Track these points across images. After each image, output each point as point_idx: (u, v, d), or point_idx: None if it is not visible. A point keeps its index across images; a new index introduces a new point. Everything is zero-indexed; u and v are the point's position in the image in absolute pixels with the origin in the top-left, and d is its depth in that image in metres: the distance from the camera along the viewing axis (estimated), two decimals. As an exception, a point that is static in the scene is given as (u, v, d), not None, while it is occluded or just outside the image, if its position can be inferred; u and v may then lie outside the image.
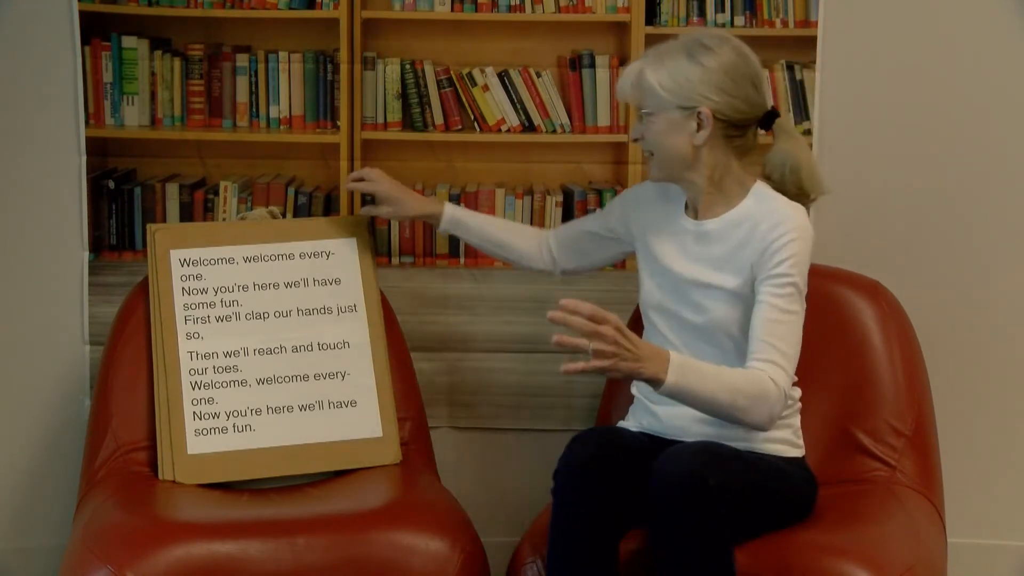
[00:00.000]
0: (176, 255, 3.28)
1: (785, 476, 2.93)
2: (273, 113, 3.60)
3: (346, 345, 3.30)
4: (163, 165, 3.62)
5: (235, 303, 3.27)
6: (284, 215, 3.57)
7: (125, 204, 3.61)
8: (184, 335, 3.23)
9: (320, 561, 2.84)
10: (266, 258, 3.32)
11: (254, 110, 3.60)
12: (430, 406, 3.48)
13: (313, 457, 3.23)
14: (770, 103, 2.97)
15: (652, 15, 3.55)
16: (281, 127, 3.61)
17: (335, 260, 3.34)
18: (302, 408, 3.25)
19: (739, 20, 3.56)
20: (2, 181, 3.56)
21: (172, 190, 3.60)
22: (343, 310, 3.32)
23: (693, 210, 3.00)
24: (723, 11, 3.56)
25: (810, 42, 3.55)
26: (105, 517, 2.97)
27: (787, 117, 2.99)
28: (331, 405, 3.26)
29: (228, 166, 3.62)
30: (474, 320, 3.63)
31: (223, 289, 3.28)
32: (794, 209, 2.92)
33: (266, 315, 3.28)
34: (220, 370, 3.23)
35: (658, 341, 2.99)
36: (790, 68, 3.57)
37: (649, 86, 2.91)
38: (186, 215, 3.59)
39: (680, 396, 2.77)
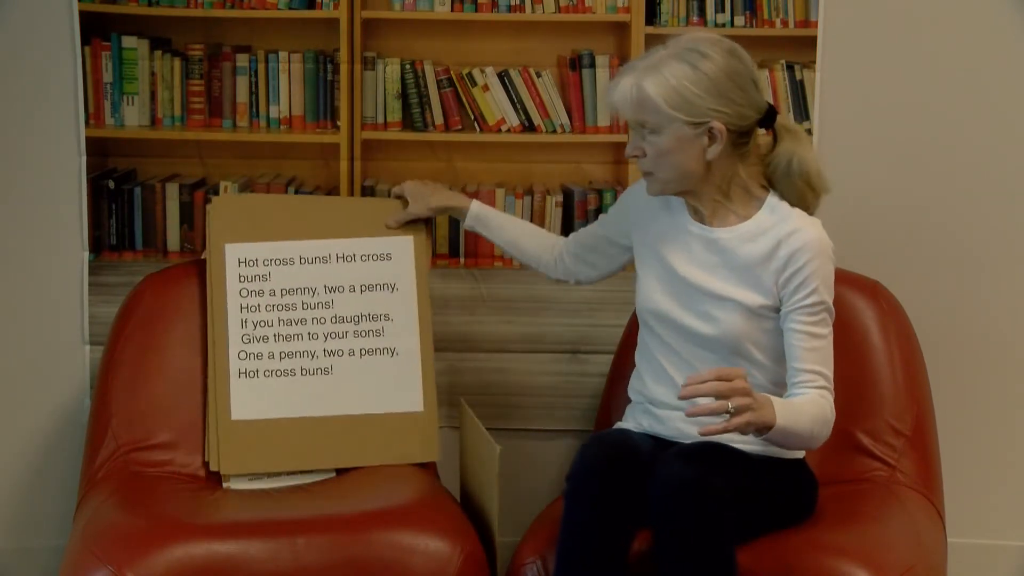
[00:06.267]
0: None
1: (786, 477, 2.93)
2: (273, 113, 3.60)
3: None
4: (163, 165, 3.62)
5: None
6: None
7: (125, 204, 3.61)
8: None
9: (320, 561, 2.84)
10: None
11: (254, 110, 3.60)
12: (430, 406, 3.49)
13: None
14: (769, 100, 2.93)
15: (652, 15, 3.55)
16: (281, 127, 3.61)
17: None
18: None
19: (739, 20, 3.56)
20: (2, 181, 3.56)
21: (172, 190, 3.60)
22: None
23: (697, 214, 2.96)
24: (723, 11, 3.56)
25: (810, 42, 3.55)
26: (105, 517, 2.97)
27: (786, 115, 2.96)
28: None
29: (228, 166, 3.62)
30: (474, 320, 3.64)
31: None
32: (811, 226, 2.88)
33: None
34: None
35: (661, 350, 2.98)
36: (790, 68, 3.57)
37: (652, 103, 2.80)
38: (186, 215, 3.59)
39: (780, 436, 2.74)
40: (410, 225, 3.34)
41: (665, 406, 2.95)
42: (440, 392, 3.61)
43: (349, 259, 3.31)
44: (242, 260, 3.28)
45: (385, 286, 3.31)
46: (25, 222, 3.58)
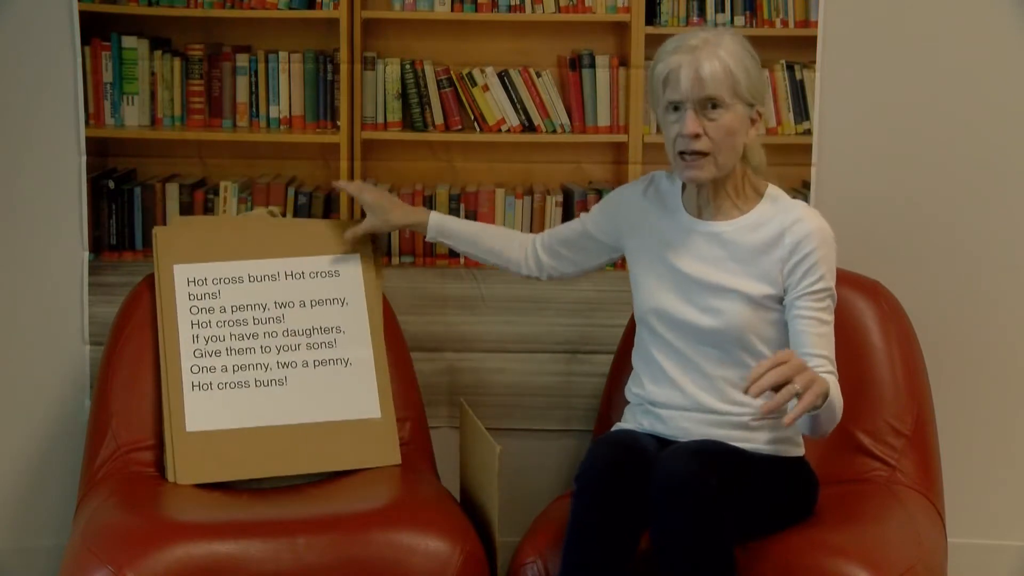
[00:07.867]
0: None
1: (786, 476, 2.93)
2: (273, 113, 3.60)
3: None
4: (163, 165, 3.62)
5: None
6: (284, 215, 3.57)
7: (125, 204, 3.61)
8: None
9: (320, 561, 2.84)
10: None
11: (254, 110, 3.60)
12: (430, 406, 3.49)
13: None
14: None
15: (652, 15, 3.55)
16: (281, 127, 3.61)
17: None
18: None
19: (739, 20, 3.56)
20: (2, 181, 3.56)
21: (172, 190, 3.60)
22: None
23: (699, 210, 2.98)
24: (723, 11, 3.56)
25: (810, 42, 3.55)
26: (105, 517, 2.97)
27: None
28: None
29: (228, 166, 3.62)
30: (474, 320, 3.63)
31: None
32: (813, 215, 2.92)
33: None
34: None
35: (662, 350, 2.98)
36: (790, 68, 3.57)
37: (734, 80, 2.85)
38: (186, 215, 3.59)
39: (827, 410, 2.75)
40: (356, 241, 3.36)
41: (666, 406, 2.95)
42: (440, 392, 3.62)
43: (298, 276, 3.33)
44: (191, 280, 3.29)
45: (335, 301, 3.33)
46: (25, 222, 3.57)
